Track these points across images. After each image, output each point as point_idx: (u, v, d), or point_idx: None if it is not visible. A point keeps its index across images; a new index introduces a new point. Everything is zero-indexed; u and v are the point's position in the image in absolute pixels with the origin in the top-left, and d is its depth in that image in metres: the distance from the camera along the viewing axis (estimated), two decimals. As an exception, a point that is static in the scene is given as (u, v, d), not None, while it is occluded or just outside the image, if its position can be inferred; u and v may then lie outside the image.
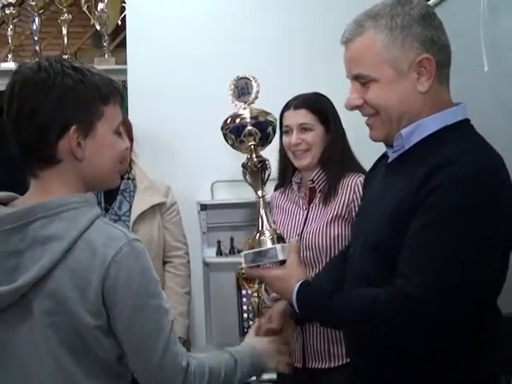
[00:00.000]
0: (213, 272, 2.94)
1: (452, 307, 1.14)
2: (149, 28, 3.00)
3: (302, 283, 1.39)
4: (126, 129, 2.60)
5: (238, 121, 1.64)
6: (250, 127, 1.63)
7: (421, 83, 1.25)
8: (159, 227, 2.58)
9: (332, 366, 1.96)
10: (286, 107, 2.14)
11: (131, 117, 2.80)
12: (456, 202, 1.14)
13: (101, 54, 3.45)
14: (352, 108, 1.33)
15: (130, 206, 2.56)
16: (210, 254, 2.84)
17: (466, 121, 1.30)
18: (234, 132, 1.66)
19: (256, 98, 1.66)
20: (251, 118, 1.64)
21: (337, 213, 2.02)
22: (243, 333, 2.74)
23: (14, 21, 3.55)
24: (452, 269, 1.14)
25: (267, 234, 1.59)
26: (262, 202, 1.63)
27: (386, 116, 1.28)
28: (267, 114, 1.67)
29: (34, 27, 3.50)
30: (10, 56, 3.51)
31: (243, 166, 1.66)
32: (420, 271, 1.16)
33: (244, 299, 2.74)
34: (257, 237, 1.60)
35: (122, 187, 2.60)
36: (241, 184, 2.87)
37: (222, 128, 1.69)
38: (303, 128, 2.08)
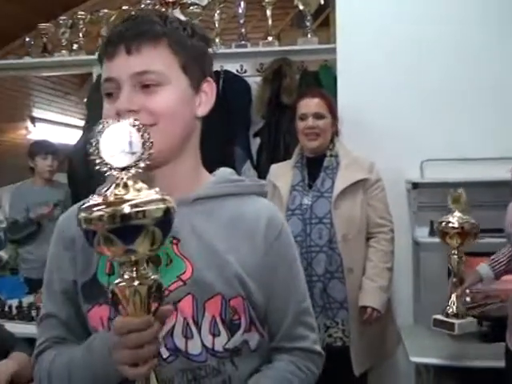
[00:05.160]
0: (424, 252, 2.88)
1: None
2: (358, 4, 2.98)
3: None
4: (326, 103, 2.65)
5: (449, 225, 2.25)
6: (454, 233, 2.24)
7: None
8: (362, 204, 2.57)
9: None
10: None
11: (340, 95, 2.82)
12: None
13: (303, 34, 3.50)
14: None
15: (333, 183, 2.59)
16: (422, 233, 2.78)
17: None
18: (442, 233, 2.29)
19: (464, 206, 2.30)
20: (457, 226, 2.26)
21: None
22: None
23: (221, 6, 3.72)
24: None
25: (453, 308, 2.26)
26: (453, 284, 2.28)
27: None
28: (467, 223, 2.25)
29: (240, 11, 3.63)
30: (217, 40, 3.68)
31: (449, 256, 2.29)
32: None
33: (456, 285, 2.64)
34: (446, 308, 2.28)
35: (325, 164, 2.64)
36: (451, 163, 2.83)
37: (437, 227, 2.32)
38: None
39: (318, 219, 2.54)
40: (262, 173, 3.37)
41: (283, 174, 2.71)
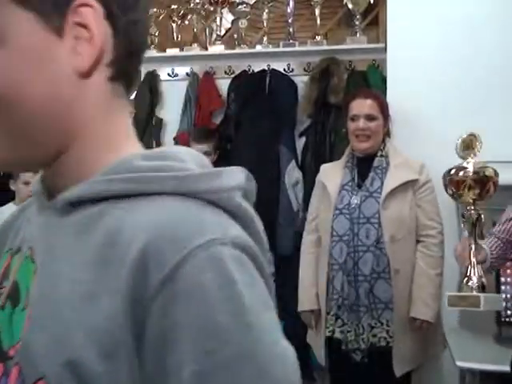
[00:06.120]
0: (471, 256, 2.84)
1: None
2: (409, 3, 2.96)
3: None
4: (379, 105, 2.62)
5: (461, 174, 1.80)
6: (469, 181, 1.78)
7: None
8: (411, 205, 2.55)
9: None
10: None
11: (390, 96, 2.80)
12: None
13: (352, 33, 3.49)
14: None
15: (382, 183, 2.57)
16: (469, 237, 2.73)
17: None
18: (454, 184, 1.84)
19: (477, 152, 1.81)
20: (473, 172, 1.78)
21: None
22: (500, 321, 2.61)
23: (269, 5, 3.74)
24: None
25: (474, 280, 1.75)
26: (473, 251, 1.79)
27: None
28: (487, 168, 1.81)
29: (289, 10, 3.64)
30: (265, 39, 3.70)
31: (462, 215, 1.83)
32: None
33: (503, 287, 2.59)
34: (464, 281, 1.77)
35: (375, 164, 2.63)
36: (502, 165, 2.77)
37: (444, 177, 1.85)
38: None
39: (365, 219, 2.53)
40: (307, 172, 3.38)
41: (333, 173, 2.71)
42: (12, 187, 3.42)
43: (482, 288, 1.76)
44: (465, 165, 1.83)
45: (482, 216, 1.80)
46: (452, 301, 1.83)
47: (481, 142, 1.85)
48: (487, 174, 1.79)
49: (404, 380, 2.54)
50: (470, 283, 1.77)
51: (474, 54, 2.89)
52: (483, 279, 1.77)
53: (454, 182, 1.82)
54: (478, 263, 1.79)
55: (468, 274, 1.78)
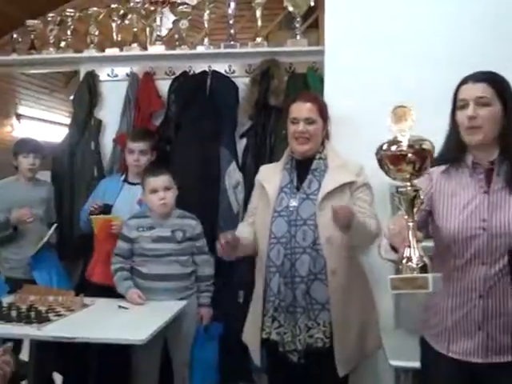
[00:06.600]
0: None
1: None
2: (347, 6, 2.98)
3: None
4: (318, 108, 2.64)
5: (393, 148, 1.64)
6: (410, 155, 1.64)
7: None
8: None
9: None
10: (464, 81, 2.01)
11: (327, 97, 2.81)
12: None
13: (292, 35, 3.51)
14: None
15: (320, 185, 2.58)
16: (405, 238, 2.76)
17: None
18: (392, 159, 1.67)
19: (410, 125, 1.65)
20: (408, 146, 1.63)
21: None
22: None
23: (211, 6, 3.72)
24: None
25: (414, 260, 1.60)
26: (411, 229, 1.65)
27: None
28: (424, 142, 1.66)
29: (230, 11, 3.63)
30: (206, 39, 3.68)
31: (399, 192, 1.68)
32: None
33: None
34: (403, 262, 1.61)
35: (313, 167, 2.63)
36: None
37: (378, 153, 1.70)
38: (481, 102, 1.93)
39: (302, 221, 2.53)
40: (247, 174, 3.37)
41: (272, 175, 2.70)
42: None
43: (424, 268, 1.61)
44: (399, 138, 1.66)
45: (420, 192, 1.67)
46: (395, 284, 1.63)
47: (413, 115, 1.68)
48: (425, 147, 1.65)
49: (342, 380, 2.55)
50: (409, 264, 1.62)
51: (413, 53, 2.92)
52: (425, 259, 1.62)
53: (391, 157, 1.66)
54: (417, 242, 1.66)
55: (408, 255, 1.63)
